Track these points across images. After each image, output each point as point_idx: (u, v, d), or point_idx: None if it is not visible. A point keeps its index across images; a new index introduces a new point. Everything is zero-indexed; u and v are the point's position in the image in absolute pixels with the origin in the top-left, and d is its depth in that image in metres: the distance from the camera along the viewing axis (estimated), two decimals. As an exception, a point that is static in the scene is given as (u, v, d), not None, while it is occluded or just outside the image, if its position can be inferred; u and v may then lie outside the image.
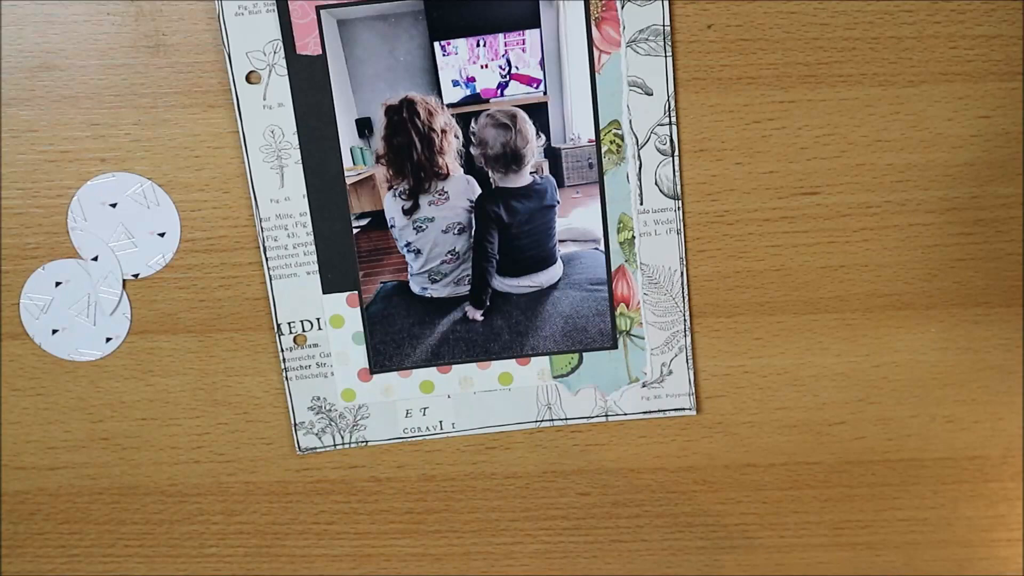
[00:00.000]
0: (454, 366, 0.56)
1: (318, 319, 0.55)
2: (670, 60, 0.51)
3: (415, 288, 0.55)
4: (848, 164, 0.53)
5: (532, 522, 0.59)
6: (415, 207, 0.54)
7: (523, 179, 0.53)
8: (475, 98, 0.52)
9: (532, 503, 0.59)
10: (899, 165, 0.54)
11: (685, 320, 0.55)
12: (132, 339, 0.55)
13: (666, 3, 0.51)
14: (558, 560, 0.60)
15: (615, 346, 0.56)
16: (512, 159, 0.53)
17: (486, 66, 0.52)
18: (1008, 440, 0.58)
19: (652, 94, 0.52)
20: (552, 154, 0.53)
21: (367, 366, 0.56)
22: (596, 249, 0.54)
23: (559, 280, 0.55)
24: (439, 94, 0.52)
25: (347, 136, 0.52)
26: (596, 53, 0.52)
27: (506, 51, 0.52)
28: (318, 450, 0.57)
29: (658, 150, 0.53)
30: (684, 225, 0.54)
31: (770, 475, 0.58)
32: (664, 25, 0.51)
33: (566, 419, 0.57)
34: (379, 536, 0.58)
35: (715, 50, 0.52)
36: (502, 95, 0.52)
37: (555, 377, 0.56)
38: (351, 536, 0.59)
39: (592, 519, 0.59)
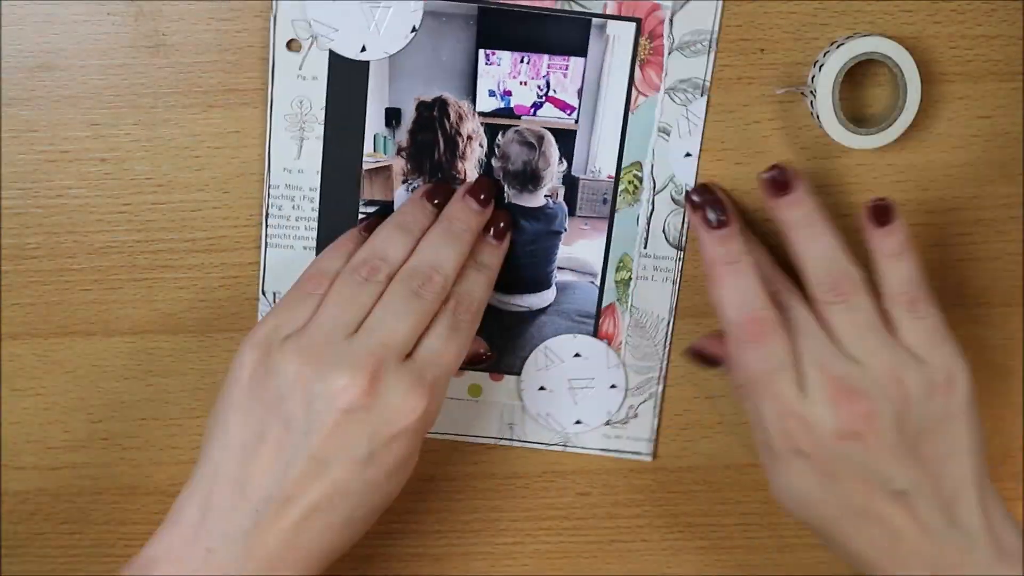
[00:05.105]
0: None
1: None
2: (704, 113, 0.52)
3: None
4: (848, 164, 0.53)
5: (532, 522, 0.59)
6: (425, 206, 0.53)
7: (537, 200, 0.53)
8: (508, 112, 0.52)
9: (532, 503, 0.59)
10: (899, 165, 0.54)
11: (662, 368, 0.56)
12: (132, 339, 0.55)
13: (711, 60, 0.51)
14: (558, 560, 0.60)
15: None
16: (530, 179, 0.53)
17: (525, 83, 0.52)
18: (1008, 440, 0.58)
19: None
20: (570, 182, 0.53)
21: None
22: (591, 283, 0.55)
23: (548, 306, 0.55)
24: (473, 100, 0.52)
25: (374, 122, 0.52)
26: (634, 93, 0.52)
27: (548, 73, 0.52)
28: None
29: (672, 199, 0.53)
30: (680, 276, 0.54)
31: (770, 475, 0.58)
32: (705, 81, 0.51)
33: (525, 441, 0.57)
34: (379, 536, 0.58)
35: (714, 50, 0.52)
36: (534, 115, 0.52)
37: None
38: (351, 536, 0.59)
39: (592, 519, 0.59)
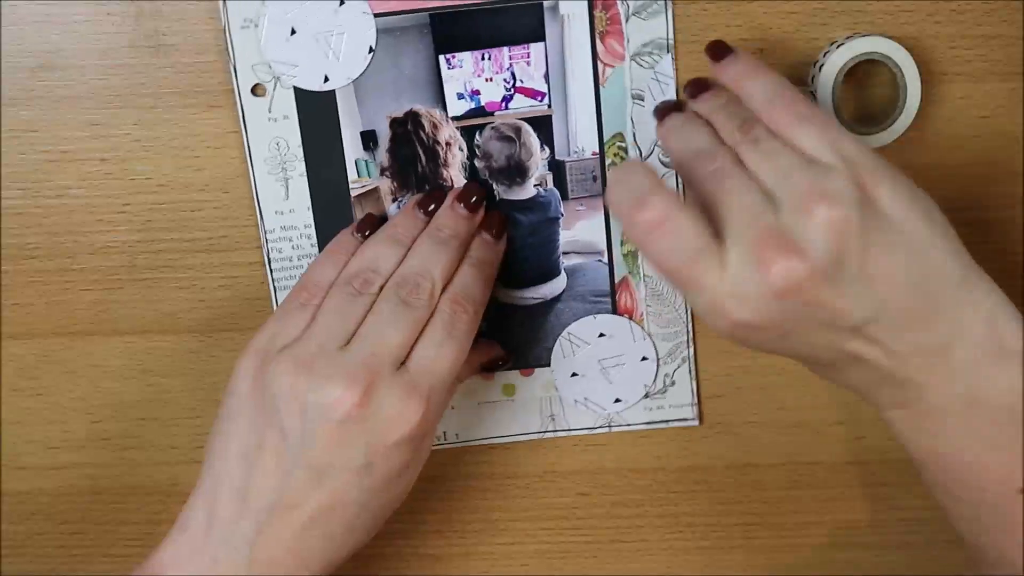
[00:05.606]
0: (457, 378, 0.56)
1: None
2: (674, 74, 0.52)
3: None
4: (848, 164, 0.53)
5: (532, 522, 0.59)
6: (419, 220, 0.54)
7: (527, 192, 0.53)
8: (480, 111, 0.52)
9: (532, 503, 0.59)
10: (899, 165, 0.53)
11: (688, 331, 0.55)
12: (132, 339, 0.55)
13: (670, 17, 0.51)
14: (558, 560, 0.60)
15: None
16: (516, 172, 0.53)
17: (491, 79, 0.52)
18: (1008, 440, 0.58)
19: None
20: (556, 167, 0.53)
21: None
22: (600, 261, 0.55)
23: (562, 292, 0.55)
24: (444, 107, 0.52)
25: (352, 148, 0.52)
26: (600, 67, 0.52)
27: (511, 64, 0.52)
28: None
29: (661, 163, 0.53)
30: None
31: (770, 475, 0.58)
32: (667, 39, 0.51)
33: (569, 430, 0.57)
34: (380, 536, 0.58)
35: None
36: (507, 108, 0.53)
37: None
38: (351, 536, 0.59)
39: (592, 519, 0.59)
